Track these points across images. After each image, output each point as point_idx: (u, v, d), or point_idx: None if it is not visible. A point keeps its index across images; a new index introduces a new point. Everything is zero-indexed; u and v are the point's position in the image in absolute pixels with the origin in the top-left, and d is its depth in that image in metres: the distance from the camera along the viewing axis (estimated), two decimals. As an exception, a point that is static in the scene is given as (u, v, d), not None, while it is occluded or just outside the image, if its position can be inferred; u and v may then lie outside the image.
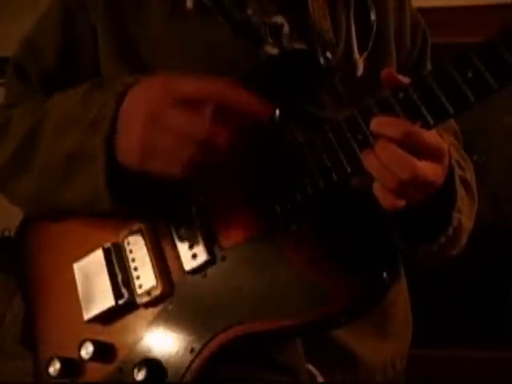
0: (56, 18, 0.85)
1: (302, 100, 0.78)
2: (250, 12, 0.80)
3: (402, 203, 0.61)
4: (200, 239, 0.72)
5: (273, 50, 0.79)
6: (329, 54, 0.76)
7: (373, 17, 0.84)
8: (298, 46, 0.80)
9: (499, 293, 2.10)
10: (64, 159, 0.73)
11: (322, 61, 0.76)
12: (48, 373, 0.76)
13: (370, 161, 0.61)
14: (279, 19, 0.81)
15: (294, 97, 0.77)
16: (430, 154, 0.61)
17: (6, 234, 2.02)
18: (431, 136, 0.61)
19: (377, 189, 0.61)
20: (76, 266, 0.80)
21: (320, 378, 0.75)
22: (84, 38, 0.84)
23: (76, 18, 0.84)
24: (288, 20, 0.81)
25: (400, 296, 0.88)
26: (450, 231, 0.72)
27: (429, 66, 0.96)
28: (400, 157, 0.59)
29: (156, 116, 0.64)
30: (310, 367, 0.75)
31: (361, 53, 0.83)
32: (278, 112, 0.73)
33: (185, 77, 0.66)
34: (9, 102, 0.88)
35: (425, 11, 1.05)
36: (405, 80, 0.63)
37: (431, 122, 0.60)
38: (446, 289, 2.06)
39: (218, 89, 0.63)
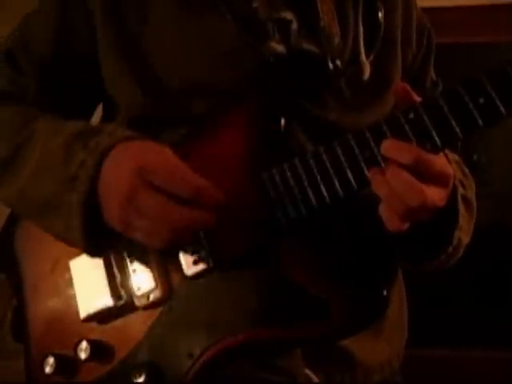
0: (50, 6, 0.82)
1: (307, 102, 0.77)
2: (255, 5, 0.77)
3: (406, 226, 0.61)
4: (202, 246, 0.71)
5: (278, 47, 0.77)
6: (338, 62, 0.74)
7: (380, 18, 0.83)
8: (306, 45, 0.78)
9: (501, 293, 2.08)
10: (41, 200, 0.73)
11: (331, 66, 0.75)
12: (43, 370, 0.76)
13: (379, 184, 0.61)
14: (288, 15, 0.78)
15: (299, 99, 0.76)
16: (438, 179, 0.61)
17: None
18: (440, 161, 0.62)
19: (383, 211, 0.62)
20: (72, 264, 0.79)
21: (316, 381, 0.76)
22: (79, 25, 0.81)
23: (70, 5, 0.81)
24: (297, 17, 0.79)
25: (395, 296, 0.87)
26: (450, 249, 0.74)
27: (432, 71, 0.95)
28: (411, 185, 0.59)
29: (130, 197, 0.65)
30: (308, 371, 0.76)
31: (367, 54, 0.81)
32: (283, 121, 0.72)
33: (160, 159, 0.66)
34: None
35: (432, 11, 1.03)
36: (417, 98, 0.63)
37: (440, 145, 0.61)
38: (447, 289, 2.05)
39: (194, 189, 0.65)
